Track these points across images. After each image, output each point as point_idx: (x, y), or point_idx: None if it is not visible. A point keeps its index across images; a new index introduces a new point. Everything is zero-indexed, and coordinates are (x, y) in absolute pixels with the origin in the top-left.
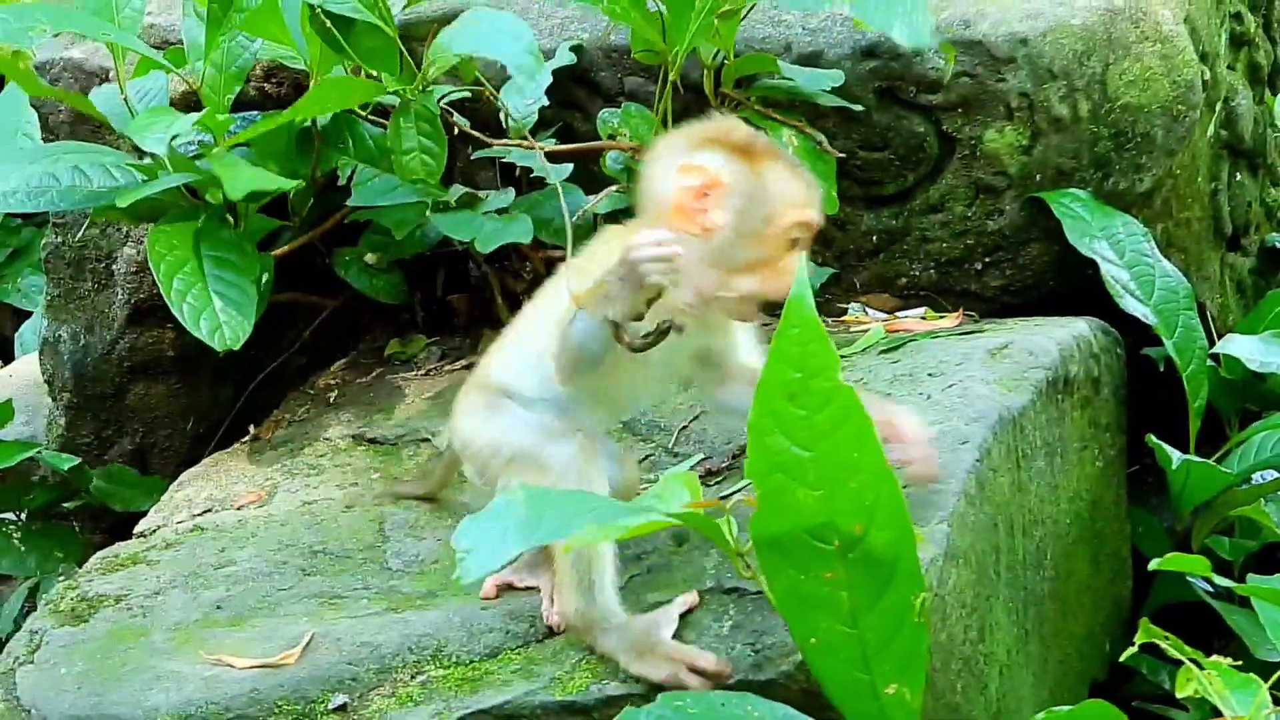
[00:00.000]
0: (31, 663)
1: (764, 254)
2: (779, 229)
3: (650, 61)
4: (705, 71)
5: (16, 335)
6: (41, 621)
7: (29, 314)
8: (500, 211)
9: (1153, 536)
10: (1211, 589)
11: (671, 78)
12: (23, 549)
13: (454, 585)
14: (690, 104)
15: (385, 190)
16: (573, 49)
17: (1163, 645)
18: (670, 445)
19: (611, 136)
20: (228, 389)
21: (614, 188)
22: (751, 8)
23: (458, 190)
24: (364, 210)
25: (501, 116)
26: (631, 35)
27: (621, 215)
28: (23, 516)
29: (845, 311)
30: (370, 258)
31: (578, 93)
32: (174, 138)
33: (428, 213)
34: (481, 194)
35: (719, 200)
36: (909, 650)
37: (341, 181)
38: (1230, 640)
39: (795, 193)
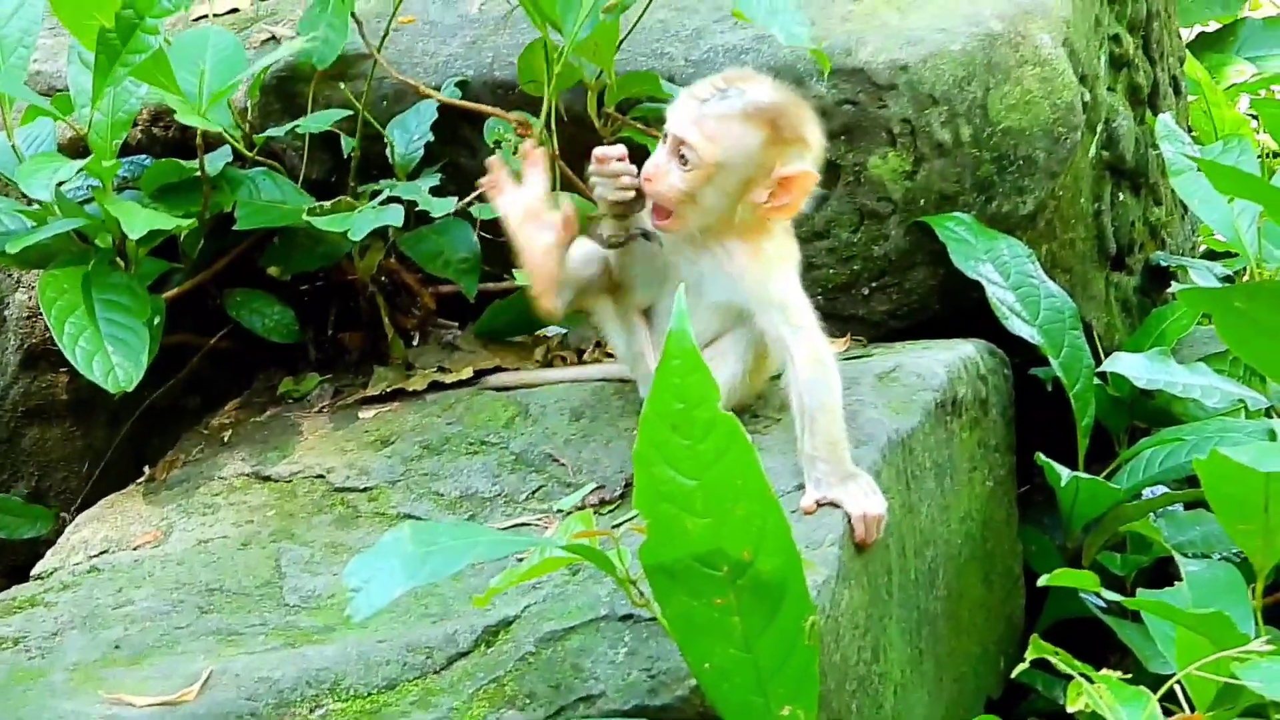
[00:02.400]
0: None
1: None
2: None
3: (537, 94)
4: (589, 94)
5: None
6: None
7: None
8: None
9: (1045, 554)
10: (1103, 604)
11: (556, 70)
12: None
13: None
14: (575, 134)
15: (268, 207)
16: (458, 84)
17: (1054, 661)
18: (563, 476)
19: (497, 144)
20: (122, 431)
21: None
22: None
23: (337, 201)
24: (252, 223)
25: (388, 152)
26: (519, 68)
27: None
28: None
29: None
30: (273, 271)
31: (464, 129)
32: (60, 184)
33: (304, 215)
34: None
35: None
36: (801, 673)
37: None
38: (1125, 655)
39: None
